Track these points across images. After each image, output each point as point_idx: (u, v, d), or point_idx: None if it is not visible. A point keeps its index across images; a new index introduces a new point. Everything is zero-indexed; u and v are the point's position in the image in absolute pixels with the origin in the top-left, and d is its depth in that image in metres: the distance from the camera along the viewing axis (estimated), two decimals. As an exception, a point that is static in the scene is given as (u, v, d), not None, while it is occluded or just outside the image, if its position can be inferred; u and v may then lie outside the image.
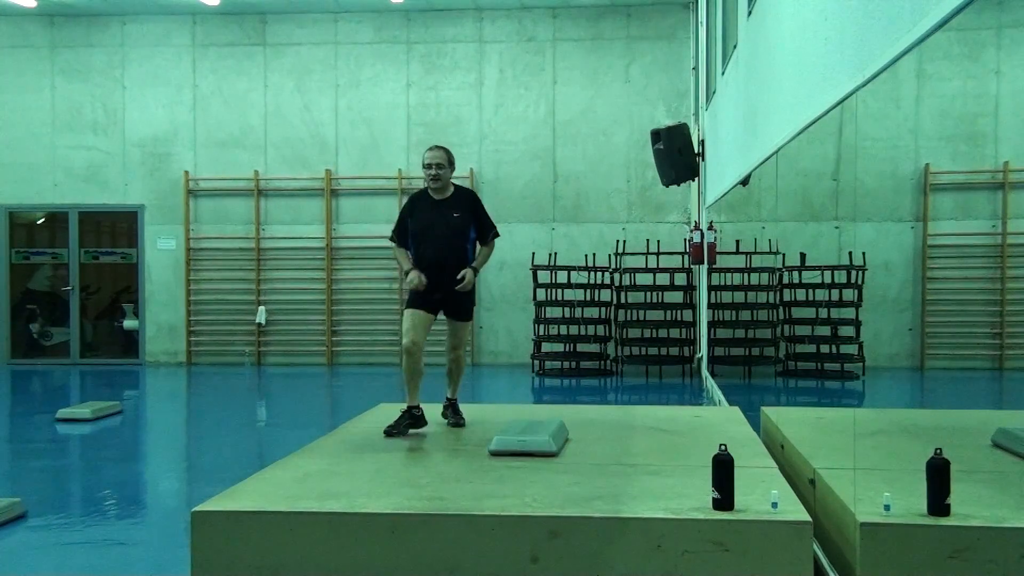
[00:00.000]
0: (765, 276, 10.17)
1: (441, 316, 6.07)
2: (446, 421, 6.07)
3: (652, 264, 12.85)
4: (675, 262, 12.88)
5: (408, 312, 5.89)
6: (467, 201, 6.04)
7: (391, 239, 6.20)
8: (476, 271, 5.94)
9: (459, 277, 5.86)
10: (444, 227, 5.88)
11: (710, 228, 10.71)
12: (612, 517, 3.93)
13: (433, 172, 5.87)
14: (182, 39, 14.34)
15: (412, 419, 5.78)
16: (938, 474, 3.58)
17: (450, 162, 5.95)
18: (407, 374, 5.84)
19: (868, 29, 3.72)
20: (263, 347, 14.20)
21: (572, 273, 12.93)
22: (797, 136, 5.33)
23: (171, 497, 6.73)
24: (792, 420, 5.91)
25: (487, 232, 6.06)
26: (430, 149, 5.98)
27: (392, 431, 5.69)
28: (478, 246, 6.08)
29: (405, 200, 6.16)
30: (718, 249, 10.71)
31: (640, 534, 3.86)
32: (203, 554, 4.07)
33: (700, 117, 12.42)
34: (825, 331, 9.10)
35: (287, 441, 7.27)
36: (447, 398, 6.17)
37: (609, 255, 13.21)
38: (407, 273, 5.93)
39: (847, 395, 9.01)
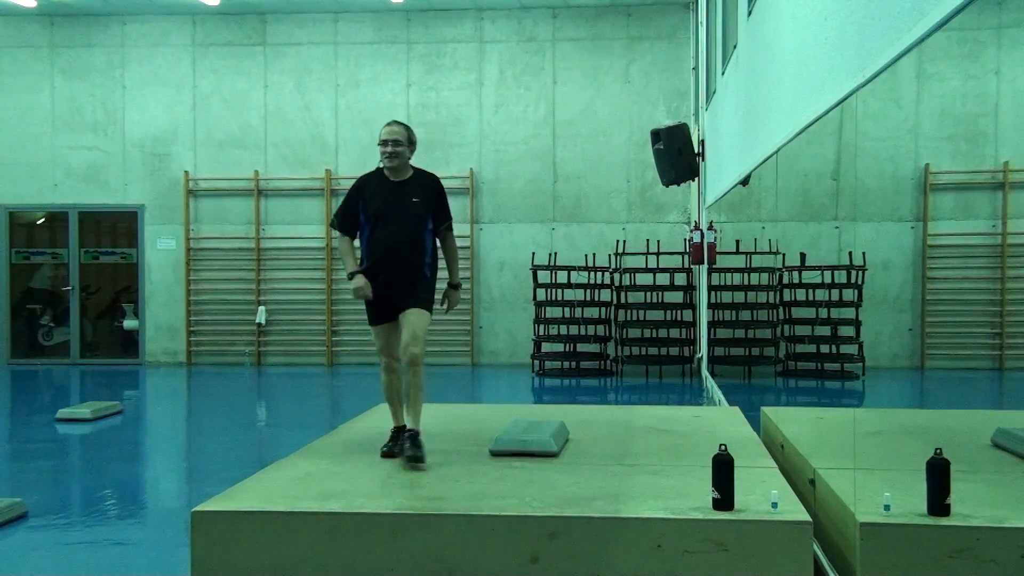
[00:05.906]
0: (765, 276, 10.16)
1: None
2: (401, 455, 5.08)
3: (652, 264, 12.85)
4: (675, 262, 12.88)
5: (376, 330, 5.42)
6: (428, 186, 5.43)
7: (333, 226, 5.58)
8: (458, 287, 5.59)
9: (442, 305, 5.51)
10: (402, 212, 5.30)
11: (710, 228, 10.71)
12: (612, 517, 3.93)
13: (390, 149, 5.29)
14: (182, 39, 14.34)
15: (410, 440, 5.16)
16: (938, 474, 3.58)
17: (410, 140, 5.40)
18: (390, 393, 5.43)
19: (868, 29, 3.72)
20: (263, 347, 14.20)
21: (572, 273, 12.94)
22: (797, 136, 5.33)
23: (171, 497, 6.73)
24: (792, 420, 5.91)
25: (443, 221, 5.47)
26: (388, 124, 5.40)
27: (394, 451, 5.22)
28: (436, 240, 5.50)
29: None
30: (718, 249, 10.70)
31: (640, 534, 3.86)
32: (203, 554, 4.07)
33: (700, 117, 12.41)
34: (825, 331, 9.10)
35: (287, 441, 7.27)
36: (406, 427, 5.20)
37: (609, 255, 13.21)
38: (351, 276, 5.31)
39: (847, 395, 9.00)
